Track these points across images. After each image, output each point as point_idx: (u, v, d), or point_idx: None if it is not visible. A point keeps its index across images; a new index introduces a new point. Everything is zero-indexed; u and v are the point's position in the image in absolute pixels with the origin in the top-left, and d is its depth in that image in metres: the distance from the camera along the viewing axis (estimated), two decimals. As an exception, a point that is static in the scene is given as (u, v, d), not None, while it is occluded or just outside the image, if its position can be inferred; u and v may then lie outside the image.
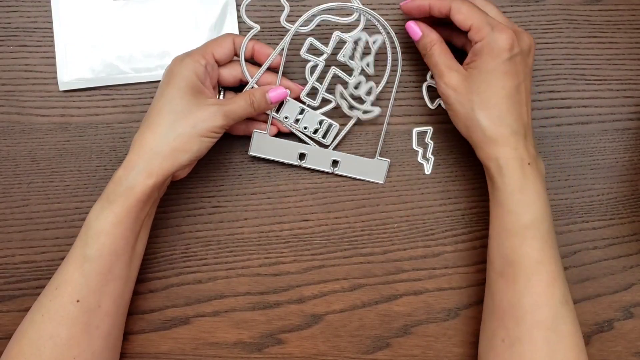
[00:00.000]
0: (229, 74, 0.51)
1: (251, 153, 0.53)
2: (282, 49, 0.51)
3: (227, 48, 0.50)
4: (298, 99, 0.53)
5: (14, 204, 0.55)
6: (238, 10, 0.55)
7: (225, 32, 0.55)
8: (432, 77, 0.55)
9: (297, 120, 0.53)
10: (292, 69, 0.55)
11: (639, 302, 0.54)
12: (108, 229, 0.46)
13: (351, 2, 0.50)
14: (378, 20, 0.51)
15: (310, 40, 0.51)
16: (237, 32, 0.55)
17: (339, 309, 0.54)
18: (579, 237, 0.55)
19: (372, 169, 0.54)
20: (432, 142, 0.55)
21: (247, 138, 0.54)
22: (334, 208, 0.55)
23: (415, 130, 0.55)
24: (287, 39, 0.51)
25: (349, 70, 0.52)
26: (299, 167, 0.54)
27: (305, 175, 0.55)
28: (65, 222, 0.54)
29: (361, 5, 0.50)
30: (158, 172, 0.46)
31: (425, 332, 0.54)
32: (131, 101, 0.55)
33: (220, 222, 0.55)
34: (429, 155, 0.55)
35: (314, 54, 0.52)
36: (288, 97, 0.52)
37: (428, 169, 0.55)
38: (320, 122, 0.53)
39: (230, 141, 0.55)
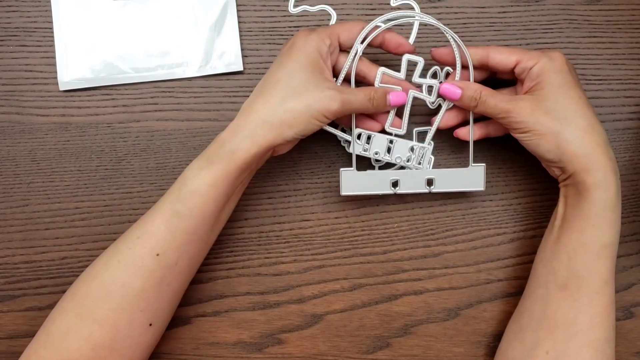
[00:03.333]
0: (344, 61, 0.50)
1: (343, 193, 0.51)
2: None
3: (355, 34, 0.49)
4: (383, 131, 0.52)
5: (14, 204, 0.55)
6: (238, 10, 0.55)
7: (226, 32, 0.55)
8: (432, 76, 0.55)
9: (388, 151, 0.52)
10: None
11: (639, 302, 0.54)
12: (203, 190, 0.45)
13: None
14: (445, 31, 0.50)
15: (382, 70, 0.50)
16: (237, 32, 0.55)
17: (339, 308, 0.54)
18: (579, 237, 0.55)
19: (468, 178, 0.52)
20: (432, 142, 0.55)
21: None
22: (334, 208, 0.55)
23: (415, 130, 0.55)
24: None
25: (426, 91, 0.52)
26: (394, 195, 0.53)
27: (305, 175, 0.55)
28: (65, 222, 0.54)
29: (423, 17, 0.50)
30: (261, 142, 0.46)
31: (426, 332, 0.54)
32: (131, 101, 0.55)
33: (221, 222, 0.55)
34: (429, 155, 0.55)
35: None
36: (374, 133, 0.51)
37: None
38: (412, 149, 0.52)
39: (231, 141, 0.55)
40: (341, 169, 0.51)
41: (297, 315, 0.54)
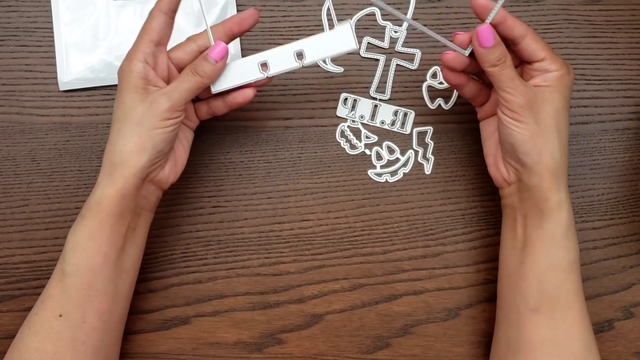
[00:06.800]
0: (183, 52, 0.47)
1: (214, 90, 0.47)
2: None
3: (159, 23, 0.45)
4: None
5: (14, 204, 0.55)
6: (238, 10, 0.55)
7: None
8: (432, 76, 0.55)
9: (373, 117, 0.55)
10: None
11: (639, 302, 0.54)
12: (83, 244, 0.45)
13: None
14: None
15: (367, 39, 0.54)
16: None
17: (339, 308, 0.54)
18: (579, 237, 0.55)
19: (337, 40, 0.47)
20: (432, 142, 0.55)
21: (243, 137, 0.54)
22: (334, 208, 0.55)
23: (415, 130, 0.55)
24: None
25: (409, 59, 0.56)
26: (268, 78, 0.48)
27: (305, 175, 0.55)
28: (65, 222, 0.54)
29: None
30: (120, 183, 0.45)
31: (425, 332, 0.54)
32: (131, 101, 0.55)
33: (221, 222, 0.55)
34: (429, 155, 0.55)
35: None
36: (359, 97, 0.54)
37: (428, 169, 0.55)
38: (395, 113, 0.54)
39: (230, 141, 0.55)
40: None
41: (297, 315, 0.54)
